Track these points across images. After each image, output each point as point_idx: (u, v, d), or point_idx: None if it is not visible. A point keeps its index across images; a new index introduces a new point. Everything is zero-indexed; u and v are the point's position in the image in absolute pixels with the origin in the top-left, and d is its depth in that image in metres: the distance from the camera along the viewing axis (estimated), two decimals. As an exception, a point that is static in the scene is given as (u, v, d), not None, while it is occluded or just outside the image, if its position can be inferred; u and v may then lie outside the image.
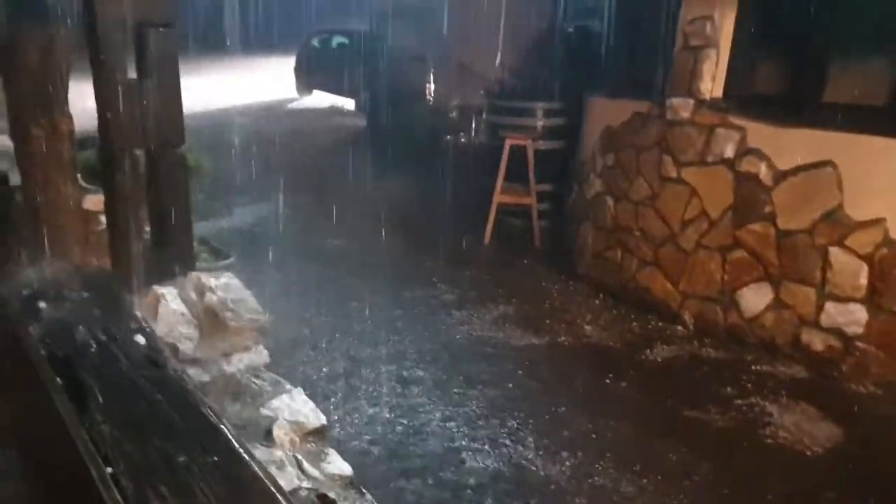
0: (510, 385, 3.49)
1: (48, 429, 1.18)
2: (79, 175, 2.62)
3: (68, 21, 2.19)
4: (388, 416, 3.17)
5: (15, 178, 2.72)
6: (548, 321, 4.26)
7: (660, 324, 4.22)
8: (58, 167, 2.45)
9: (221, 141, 9.22)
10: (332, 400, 3.25)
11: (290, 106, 13.34)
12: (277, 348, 2.26)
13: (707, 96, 4.02)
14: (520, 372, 3.62)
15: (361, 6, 9.96)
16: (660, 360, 3.81)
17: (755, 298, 3.82)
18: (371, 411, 3.20)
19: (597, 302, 4.57)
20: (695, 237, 4.08)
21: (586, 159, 5.13)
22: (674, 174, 4.18)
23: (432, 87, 8.23)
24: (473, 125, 7.23)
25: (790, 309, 3.69)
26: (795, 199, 3.63)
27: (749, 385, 3.51)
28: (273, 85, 14.74)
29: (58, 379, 1.20)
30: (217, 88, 13.49)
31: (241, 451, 1.11)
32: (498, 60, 6.78)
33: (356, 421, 3.11)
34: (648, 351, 3.89)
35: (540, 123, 5.91)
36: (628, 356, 3.84)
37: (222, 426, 1.13)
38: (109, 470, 1.01)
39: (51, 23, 2.22)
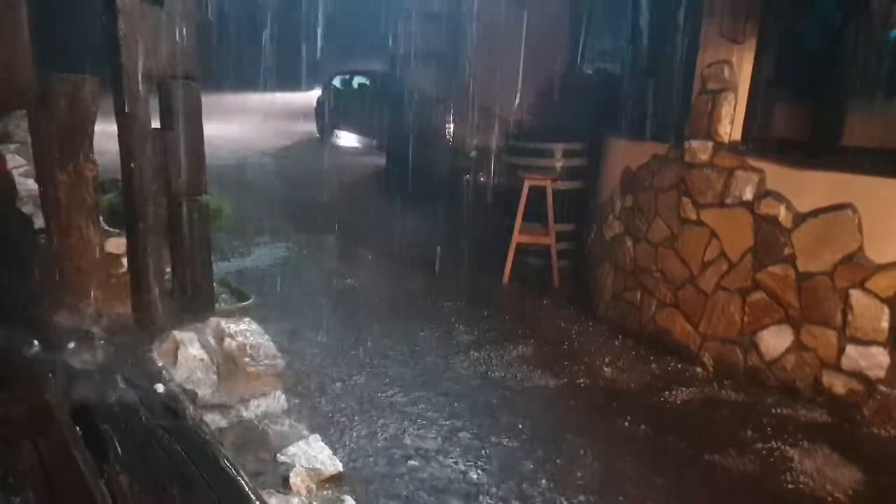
0: (526, 427, 3.44)
1: (66, 478, 1.19)
2: (101, 218, 2.68)
3: (94, 72, 2.27)
4: (402, 457, 3.14)
5: (39, 222, 2.79)
6: (566, 362, 4.21)
7: (679, 365, 4.16)
8: (81, 211, 2.51)
9: (243, 180, 9.39)
10: (348, 444, 3.22)
11: (311, 145, 13.54)
12: (293, 391, 2.26)
13: (726, 139, 4.03)
14: (537, 414, 3.58)
15: (383, 48, 10.17)
16: (679, 402, 3.75)
17: (775, 341, 3.77)
18: (386, 454, 3.16)
19: (616, 343, 4.53)
20: (714, 279, 4.04)
21: (605, 200, 5.14)
22: (693, 216, 4.17)
23: (452, 127, 8.33)
24: (492, 165, 7.28)
25: (811, 352, 3.63)
26: (815, 241, 3.59)
27: (769, 428, 3.44)
28: (296, 124, 15.01)
29: (77, 428, 1.21)
30: (241, 128, 13.79)
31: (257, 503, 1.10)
32: (517, 102, 6.86)
33: (370, 463, 3.07)
34: (667, 393, 3.83)
35: (559, 164, 5.94)
36: (647, 398, 3.78)
37: (240, 479, 1.12)
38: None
39: (77, 74, 2.30)
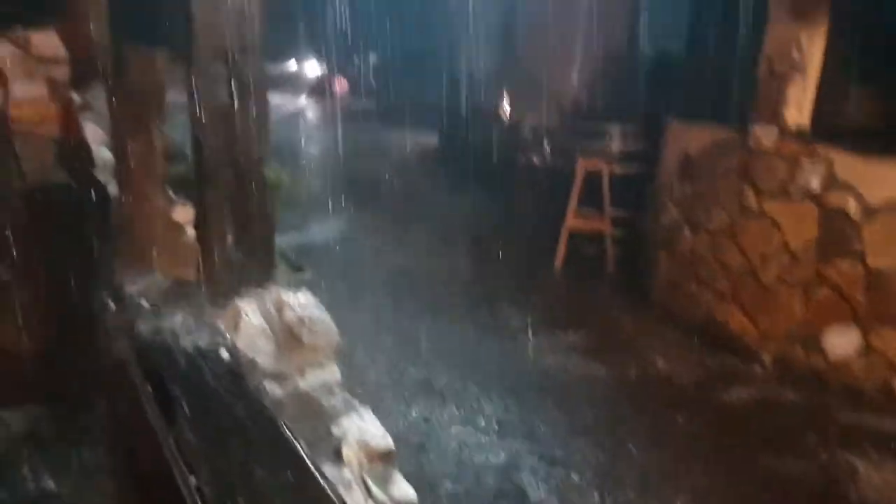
0: (576, 417, 3.43)
1: (137, 433, 1.25)
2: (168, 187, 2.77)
3: (167, 46, 2.34)
4: (449, 438, 3.17)
5: (113, 190, 2.91)
6: (618, 352, 4.16)
7: (736, 361, 4.05)
8: (151, 180, 2.60)
9: (300, 154, 9.54)
10: (398, 421, 3.27)
11: (367, 120, 13.62)
12: (346, 366, 2.31)
13: (792, 125, 3.88)
14: (586, 403, 3.55)
15: (437, 24, 10.09)
16: (735, 400, 3.66)
17: (841, 341, 3.63)
18: (434, 434, 3.20)
19: (670, 334, 4.44)
20: (776, 272, 3.92)
21: (663, 185, 5.02)
22: (755, 205, 4.05)
23: (506, 106, 8.25)
24: (547, 146, 7.18)
25: (880, 354, 3.49)
26: (888, 236, 3.44)
27: (833, 435, 3.29)
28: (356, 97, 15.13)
29: (149, 387, 1.27)
30: (292, 100, 13.93)
31: (314, 470, 1.14)
32: (574, 81, 6.74)
33: (418, 442, 3.12)
34: (723, 390, 3.74)
35: (616, 147, 5.83)
36: (702, 394, 3.70)
37: (298, 444, 1.16)
38: (193, 479, 1.06)
39: (152, 47, 2.37)
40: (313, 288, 2.22)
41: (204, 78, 1.79)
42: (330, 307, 2.14)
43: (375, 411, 1.90)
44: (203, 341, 1.54)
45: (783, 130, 3.90)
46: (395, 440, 1.81)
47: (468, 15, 8.81)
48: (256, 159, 1.92)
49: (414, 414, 3.39)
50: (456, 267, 5.56)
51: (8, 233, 2.92)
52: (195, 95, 1.82)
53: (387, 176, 8.94)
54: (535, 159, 7.30)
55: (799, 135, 3.85)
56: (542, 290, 5.22)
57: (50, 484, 1.80)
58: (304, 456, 1.22)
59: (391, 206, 7.15)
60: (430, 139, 10.63)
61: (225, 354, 1.48)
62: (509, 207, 6.65)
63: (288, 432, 1.24)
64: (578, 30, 6.37)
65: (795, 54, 3.83)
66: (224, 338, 1.61)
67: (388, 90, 13.89)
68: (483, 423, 3.33)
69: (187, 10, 1.67)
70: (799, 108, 3.88)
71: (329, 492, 1.13)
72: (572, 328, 4.48)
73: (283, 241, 5.50)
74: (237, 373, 1.37)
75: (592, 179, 5.49)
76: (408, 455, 2.95)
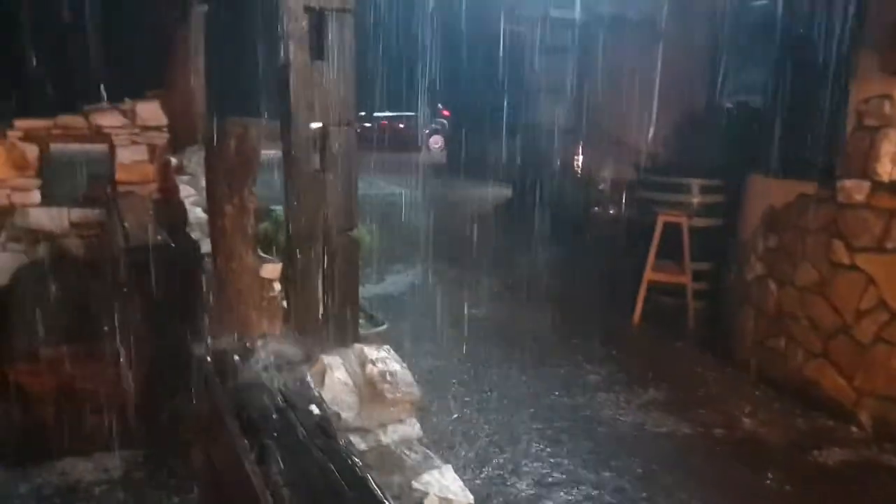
0: (656, 477, 3.31)
1: (236, 483, 1.32)
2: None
3: (262, 117, 2.52)
4: (527, 495, 3.13)
5: (205, 247, 3.10)
6: (701, 409, 4.02)
7: (830, 422, 3.83)
8: (243, 239, 2.76)
9: (374, 209, 9.81)
10: (476, 475, 3.26)
11: (437, 174, 13.91)
12: (426, 419, 2.34)
13: (886, 178, 3.74)
14: (669, 463, 3.43)
15: (511, 79, 10.26)
16: (831, 463, 3.45)
17: (948, 403, 3.39)
18: (511, 489, 3.17)
19: (756, 392, 4.26)
20: (873, 329, 3.72)
21: (746, 239, 4.89)
22: (846, 260, 3.88)
23: (581, 159, 8.28)
24: (624, 199, 7.13)
25: None
26: None
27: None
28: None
29: (245, 440, 1.34)
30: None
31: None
32: (651, 134, 6.71)
33: (496, 497, 3.09)
34: (817, 452, 3.54)
35: (696, 200, 5.73)
36: (793, 456, 3.52)
37: (386, 501, 1.20)
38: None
39: (247, 118, 2.55)
40: (391, 340, 2.28)
41: (297, 148, 1.92)
42: (407, 359, 2.20)
43: (453, 465, 1.92)
44: (294, 395, 1.62)
45: (876, 184, 3.76)
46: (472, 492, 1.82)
47: (541, 70, 8.97)
48: (343, 223, 2.03)
49: (490, 466, 3.36)
50: (531, 319, 5.54)
51: (112, 288, 3.15)
52: (289, 164, 1.95)
53: (461, 228, 9.06)
54: (611, 212, 7.26)
55: (893, 188, 3.70)
56: (620, 344, 5.12)
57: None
58: (390, 513, 1.25)
59: (466, 258, 7.21)
60: (504, 192, 10.75)
61: (315, 409, 1.54)
62: (585, 260, 6.60)
63: (378, 490, 1.28)
64: (655, 83, 6.37)
65: (888, 109, 3.72)
66: (314, 393, 1.69)
67: (460, 144, 14.19)
68: (557, 476, 3.27)
69: (285, 88, 1.82)
70: (892, 161, 3.74)
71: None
72: (652, 384, 4.37)
73: (360, 293, 5.66)
74: (327, 429, 1.43)
75: (672, 232, 5.41)
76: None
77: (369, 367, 2.05)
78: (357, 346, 2.15)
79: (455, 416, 3.87)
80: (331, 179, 1.96)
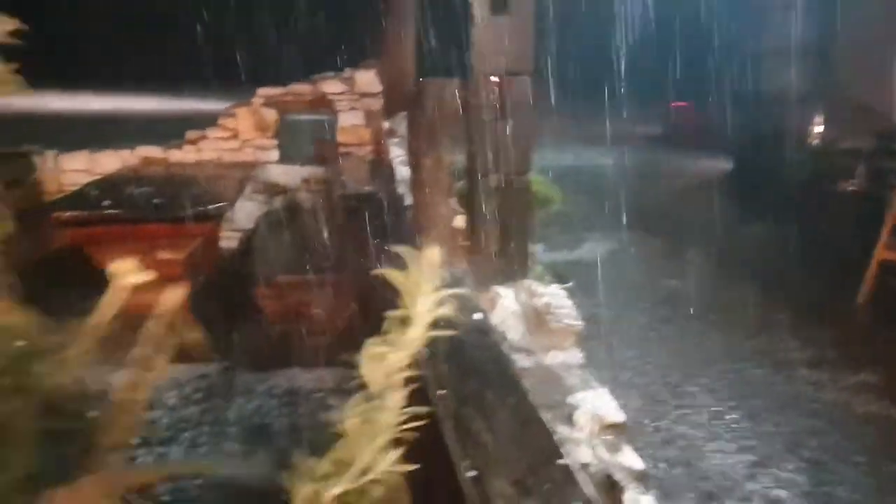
0: (859, 465, 3.10)
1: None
2: (454, 199, 3.25)
3: (456, 75, 2.79)
4: (699, 466, 3.12)
5: (408, 199, 3.50)
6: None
7: None
8: (438, 191, 3.09)
9: (583, 179, 9.81)
10: (636, 418, 3.29)
11: (651, 144, 13.41)
12: (594, 356, 2.46)
13: None
14: (877, 451, 3.19)
15: (732, 38, 9.54)
16: None
17: None
18: (675, 445, 3.18)
19: None
20: None
21: None
22: None
23: (817, 127, 7.57)
24: (863, 171, 6.42)
25: None
26: None
27: None
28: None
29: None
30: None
31: (534, 406, 1.37)
32: (897, 98, 5.97)
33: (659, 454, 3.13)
34: None
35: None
36: None
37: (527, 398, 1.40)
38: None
39: (444, 78, 2.84)
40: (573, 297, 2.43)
41: (475, 99, 2.16)
42: (587, 315, 2.33)
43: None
44: (464, 311, 1.86)
45: None
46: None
47: (772, 27, 8.26)
48: (518, 167, 2.23)
49: (655, 421, 3.38)
50: (737, 295, 5.28)
51: (333, 230, 3.70)
52: (470, 112, 2.20)
53: (672, 201, 8.76)
54: (848, 185, 6.56)
55: None
56: (836, 324, 4.73)
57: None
58: (530, 401, 1.45)
59: (671, 231, 7.01)
60: (721, 164, 10.15)
61: (477, 315, 1.79)
62: (810, 235, 6.08)
63: (519, 383, 1.48)
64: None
65: None
66: (478, 305, 1.93)
67: (672, 111, 13.54)
68: (740, 454, 3.20)
69: (467, 42, 2.06)
70: None
71: (556, 444, 1.32)
72: (867, 367, 4.02)
73: (555, 257, 5.82)
74: (483, 328, 1.66)
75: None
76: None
77: (536, 299, 2.25)
78: (527, 281, 2.35)
79: (629, 375, 3.90)
80: (507, 126, 2.17)
